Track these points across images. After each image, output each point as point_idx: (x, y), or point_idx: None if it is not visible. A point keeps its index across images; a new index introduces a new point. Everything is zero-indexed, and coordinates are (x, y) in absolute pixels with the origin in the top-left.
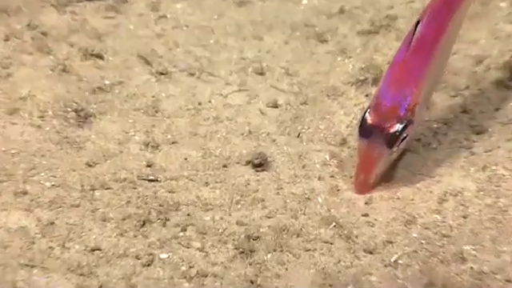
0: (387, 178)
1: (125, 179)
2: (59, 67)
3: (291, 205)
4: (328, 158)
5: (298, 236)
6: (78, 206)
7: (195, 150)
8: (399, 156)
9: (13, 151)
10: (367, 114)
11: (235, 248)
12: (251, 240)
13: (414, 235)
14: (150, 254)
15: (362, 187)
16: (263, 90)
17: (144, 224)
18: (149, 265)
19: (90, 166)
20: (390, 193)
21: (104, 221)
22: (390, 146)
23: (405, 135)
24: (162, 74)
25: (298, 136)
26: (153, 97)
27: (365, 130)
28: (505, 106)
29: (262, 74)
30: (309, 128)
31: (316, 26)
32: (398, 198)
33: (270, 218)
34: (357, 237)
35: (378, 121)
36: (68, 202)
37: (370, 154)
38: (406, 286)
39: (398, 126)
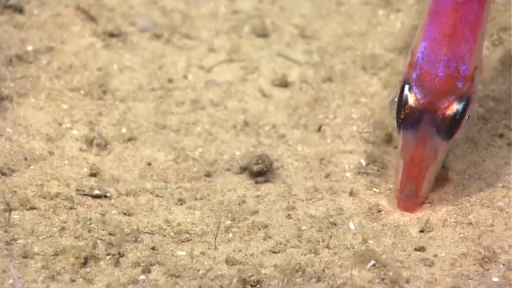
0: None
1: (57, 195)
2: None
3: (309, 233)
4: (364, 163)
5: (318, 280)
6: None
7: (163, 151)
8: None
9: None
10: (407, 90)
11: None
12: (248, 286)
13: (495, 279)
14: None
15: (410, 202)
16: (266, 59)
17: (86, 262)
18: None
19: (4, 174)
20: (456, 214)
21: (25, 257)
22: (450, 137)
23: (467, 117)
24: (112, 35)
25: (319, 130)
26: (99, 70)
27: (408, 116)
28: None
29: (264, 35)
30: (335, 117)
31: None
32: (470, 223)
33: (276, 252)
34: (408, 282)
35: (427, 100)
36: None
37: (420, 151)
38: None
39: (458, 106)
